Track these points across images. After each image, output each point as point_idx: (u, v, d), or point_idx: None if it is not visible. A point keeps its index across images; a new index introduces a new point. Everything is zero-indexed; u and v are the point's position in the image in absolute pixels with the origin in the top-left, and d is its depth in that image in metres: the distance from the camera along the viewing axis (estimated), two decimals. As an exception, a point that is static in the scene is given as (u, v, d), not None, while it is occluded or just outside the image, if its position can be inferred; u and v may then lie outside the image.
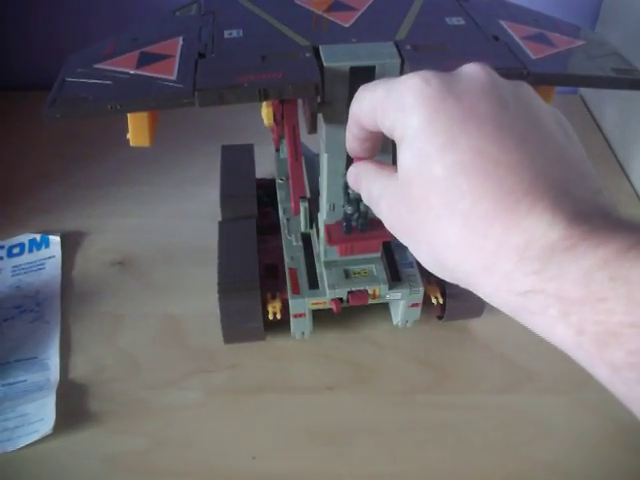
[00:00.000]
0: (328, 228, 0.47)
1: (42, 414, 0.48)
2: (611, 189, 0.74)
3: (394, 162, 0.29)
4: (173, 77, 0.38)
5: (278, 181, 0.61)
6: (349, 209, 0.45)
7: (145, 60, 0.40)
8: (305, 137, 0.51)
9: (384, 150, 0.39)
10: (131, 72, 0.39)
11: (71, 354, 0.53)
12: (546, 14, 0.47)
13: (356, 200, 0.44)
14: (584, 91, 0.86)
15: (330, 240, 0.47)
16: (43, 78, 0.84)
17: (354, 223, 0.46)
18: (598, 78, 0.39)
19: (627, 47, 0.42)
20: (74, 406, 0.49)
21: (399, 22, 0.43)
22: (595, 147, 0.77)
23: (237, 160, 0.64)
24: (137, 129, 0.41)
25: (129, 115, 0.40)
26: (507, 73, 0.38)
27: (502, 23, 0.44)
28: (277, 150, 0.64)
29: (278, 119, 0.53)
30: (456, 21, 0.43)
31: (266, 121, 0.54)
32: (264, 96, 0.37)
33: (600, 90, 0.80)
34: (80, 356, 0.53)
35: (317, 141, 0.46)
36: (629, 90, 0.40)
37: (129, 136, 0.41)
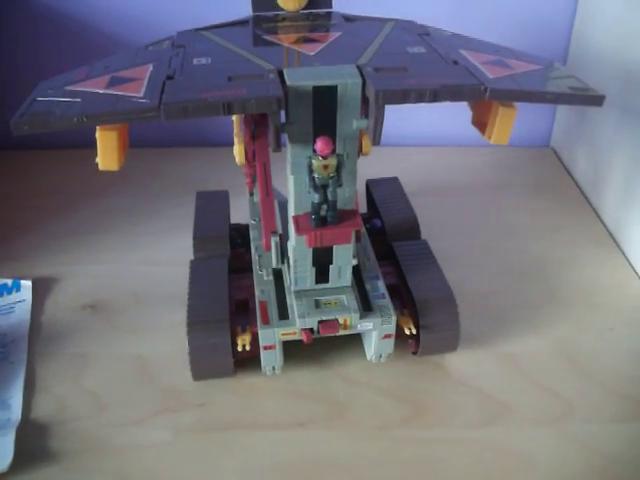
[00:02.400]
0: (296, 218, 0.45)
1: (-1, 453, 0.46)
2: (586, 231, 0.76)
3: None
4: (140, 94, 0.39)
5: (251, 222, 0.61)
6: (316, 197, 0.43)
7: (115, 82, 0.41)
8: (276, 181, 0.53)
9: None
10: (100, 92, 0.40)
11: (35, 394, 0.51)
12: (507, 47, 0.49)
13: (322, 187, 0.43)
14: (555, 143, 0.89)
15: (298, 229, 0.45)
16: (16, 138, 0.86)
17: (323, 214, 0.44)
18: (554, 94, 0.41)
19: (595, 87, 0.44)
20: (34, 445, 0.47)
21: (362, 51, 0.45)
22: (569, 194, 0.79)
23: (211, 204, 0.64)
24: (106, 151, 0.41)
25: (98, 137, 0.40)
26: (466, 89, 0.40)
27: (462, 52, 0.45)
28: (251, 194, 0.65)
29: (250, 157, 0.54)
30: (417, 50, 0.45)
31: (238, 159, 0.55)
32: (228, 110, 0.38)
33: (571, 140, 0.83)
34: (44, 396, 0.51)
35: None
36: (585, 105, 0.42)
37: (98, 160, 0.42)
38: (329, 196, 0.43)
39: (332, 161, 0.42)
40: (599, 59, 0.74)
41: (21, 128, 0.37)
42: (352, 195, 0.46)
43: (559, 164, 0.85)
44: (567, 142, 0.85)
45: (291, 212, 0.47)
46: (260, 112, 0.39)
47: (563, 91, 0.41)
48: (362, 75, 0.40)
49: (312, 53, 0.45)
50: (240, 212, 0.65)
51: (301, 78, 0.40)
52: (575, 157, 0.82)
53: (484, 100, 0.40)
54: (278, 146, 0.41)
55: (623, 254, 0.67)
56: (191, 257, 0.59)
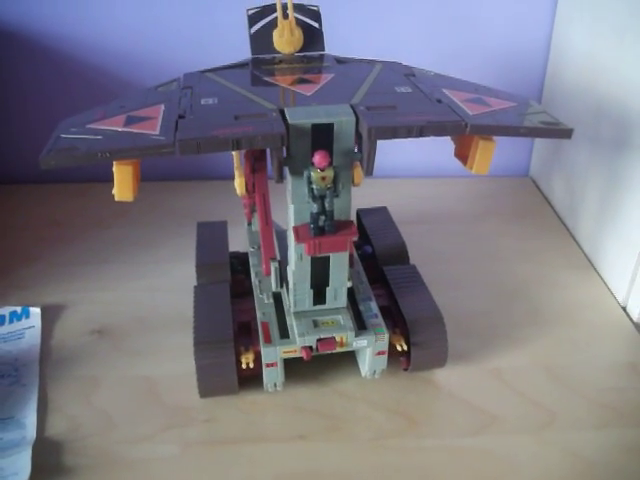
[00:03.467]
0: (296, 228, 0.48)
1: (16, 468, 0.49)
2: (564, 254, 0.80)
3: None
4: (156, 132, 0.43)
5: (250, 250, 0.65)
6: (314, 207, 0.46)
7: (131, 121, 0.45)
8: (275, 216, 0.57)
9: None
10: (119, 129, 0.44)
11: (47, 414, 0.54)
12: (485, 86, 0.54)
13: (321, 197, 0.46)
14: (534, 172, 0.94)
15: (298, 238, 0.48)
16: (21, 172, 0.90)
17: (321, 224, 0.47)
18: (528, 128, 0.45)
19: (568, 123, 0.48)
20: (49, 461, 0.50)
21: (354, 91, 0.49)
22: (547, 220, 0.83)
23: (212, 234, 0.68)
24: (122, 183, 0.45)
25: (115, 171, 0.44)
26: (449, 125, 0.44)
27: (445, 91, 0.50)
28: (249, 224, 0.69)
29: (250, 189, 0.59)
30: (404, 89, 0.50)
31: (239, 191, 0.59)
32: (237, 146, 0.42)
33: (548, 170, 0.88)
34: (56, 415, 0.54)
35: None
36: (555, 138, 0.46)
37: (114, 191, 0.45)
38: (327, 206, 0.46)
39: (329, 173, 0.45)
40: (572, 93, 0.79)
41: (49, 163, 0.41)
42: (348, 206, 0.49)
43: (538, 192, 0.90)
44: (545, 172, 0.90)
45: (291, 251, 0.51)
46: (265, 147, 0.43)
47: (536, 125, 0.46)
48: (355, 113, 0.45)
49: (309, 93, 0.49)
50: (238, 241, 0.69)
51: (301, 117, 0.44)
52: (552, 186, 0.87)
53: (465, 135, 0.45)
54: (280, 177, 0.45)
55: (598, 275, 0.72)
56: (192, 284, 0.62)
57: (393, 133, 0.43)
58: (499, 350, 0.61)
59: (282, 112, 0.45)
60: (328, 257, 0.51)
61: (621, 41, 0.67)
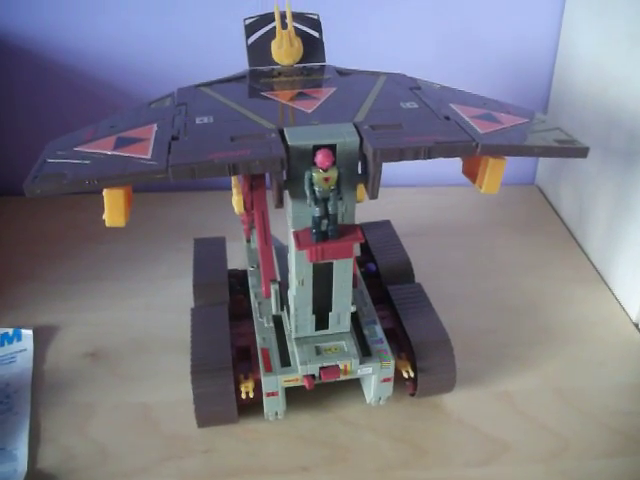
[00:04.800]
0: (297, 233, 0.45)
1: (7, 506, 0.47)
2: (573, 268, 0.78)
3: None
4: (148, 156, 0.41)
5: (249, 269, 0.62)
6: (316, 211, 0.43)
7: (122, 143, 0.43)
8: (273, 228, 0.54)
9: None
10: (108, 153, 0.41)
11: (40, 444, 0.52)
12: (494, 99, 0.51)
13: (323, 200, 0.43)
14: (540, 181, 0.92)
15: (299, 244, 0.45)
16: (8, 185, 0.87)
17: (323, 228, 0.44)
18: (542, 147, 0.43)
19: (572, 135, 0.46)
20: (41, 497, 0.48)
21: (357, 107, 0.47)
22: (555, 230, 0.81)
23: (209, 251, 0.65)
24: (113, 208, 0.42)
25: (105, 195, 0.41)
26: (459, 146, 0.42)
27: (452, 106, 0.48)
28: (248, 241, 0.66)
29: (248, 207, 0.56)
30: (410, 105, 0.47)
31: (237, 209, 0.57)
32: (233, 171, 0.39)
33: (555, 178, 0.85)
34: (49, 446, 0.52)
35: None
36: (571, 157, 0.44)
37: (105, 216, 0.43)
38: (330, 209, 0.43)
39: (333, 173, 0.41)
40: (580, 101, 0.77)
41: (34, 191, 0.38)
42: (352, 209, 0.46)
43: (545, 201, 0.88)
44: (552, 180, 0.87)
45: (292, 276, 0.48)
46: (264, 172, 0.41)
47: (550, 144, 0.43)
48: (359, 133, 0.42)
49: (309, 110, 0.47)
50: (237, 256, 0.67)
51: (302, 138, 0.42)
52: (560, 195, 0.84)
53: (475, 155, 0.42)
54: (280, 202, 0.43)
55: (609, 289, 0.70)
56: (190, 302, 0.60)
57: (400, 155, 0.41)
58: (508, 371, 0.59)
59: (281, 132, 0.43)
60: (331, 267, 0.48)
61: (631, 49, 0.64)
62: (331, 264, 0.48)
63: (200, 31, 0.81)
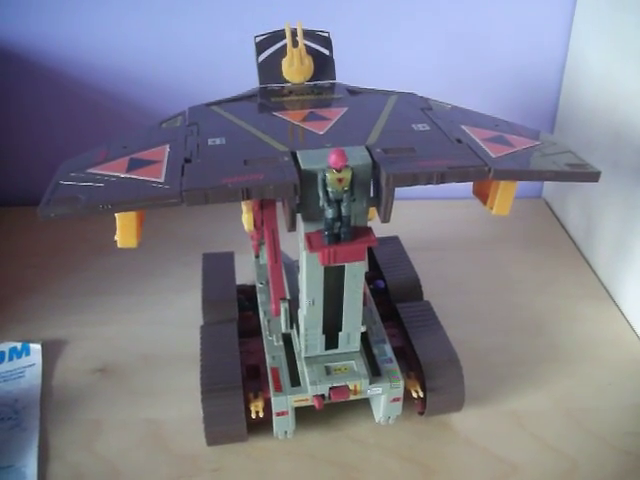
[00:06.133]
0: (309, 236, 0.44)
1: (17, 525, 0.47)
2: (581, 284, 0.77)
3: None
4: (161, 179, 0.41)
5: (258, 285, 0.62)
6: (329, 212, 0.42)
7: (135, 165, 0.43)
8: (283, 244, 0.54)
9: None
10: (122, 176, 0.41)
11: (49, 461, 0.52)
12: (504, 120, 0.51)
13: (337, 201, 0.42)
14: (547, 194, 0.92)
15: (311, 246, 0.43)
16: (19, 195, 0.88)
17: (336, 231, 0.43)
18: (554, 172, 0.43)
19: (580, 152, 0.46)
20: (51, 516, 0.48)
21: (369, 129, 0.47)
22: (562, 245, 0.81)
23: (218, 267, 0.66)
24: (125, 231, 0.42)
25: (118, 218, 0.42)
26: (472, 171, 0.42)
27: (464, 128, 0.48)
28: (257, 256, 0.66)
29: (258, 225, 0.56)
30: (422, 127, 0.47)
31: (246, 227, 0.56)
32: (247, 196, 0.39)
33: (562, 192, 0.85)
34: (58, 463, 0.52)
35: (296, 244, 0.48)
36: (583, 182, 0.44)
37: (117, 237, 0.43)
38: (343, 211, 0.42)
39: (346, 174, 0.41)
40: (589, 116, 0.77)
41: (48, 214, 0.39)
42: (365, 211, 0.45)
43: (551, 216, 0.88)
44: (559, 194, 0.87)
45: (303, 296, 0.48)
46: (277, 197, 0.41)
47: (562, 169, 0.43)
48: (372, 156, 0.42)
49: (321, 132, 0.47)
50: (246, 268, 0.67)
51: (315, 161, 0.42)
52: (567, 209, 0.84)
53: (488, 180, 0.42)
54: (293, 226, 0.43)
55: (617, 307, 0.69)
56: (199, 317, 0.60)
57: (413, 180, 0.41)
58: (517, 390, 0.59)
59: (294, 154, 0.43)
60: (342, 275, 0.47)
61: (641, 65, 0.64)
62: (342, 272, 0.47)
63: (209, 45, 0.81)
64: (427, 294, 0.63)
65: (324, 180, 0.41)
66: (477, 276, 0.75)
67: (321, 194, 0.41)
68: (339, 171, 0.40)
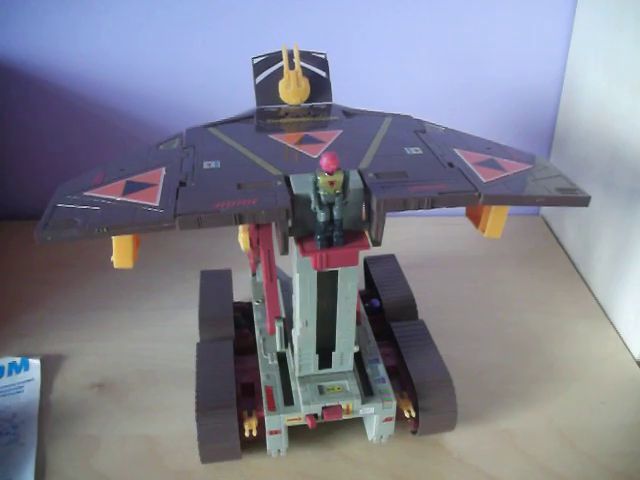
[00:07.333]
0: (301, 241, 0.44)
1: (12, 541, 0.47)
2: (577, 303, 0.77)
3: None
4: (156, 203, 0.41)
5: (254, 303, 0.63)
6: (321, 215, 0.41)
7: (130, 188, 0.44)
8: (280, 260, 0.55)
9: None
10: (117, 199, 0.42)
11: (46, 477, 0.53)
12: (497, 142, 0.52)
13: (328, 205, 0.42)
14: (545, 212, 0.92)
15: (303, 251, 0.43)
16: (18, 210, 0.89)
17: (328, 234, 0.43)
18: (544, 197, 0.43)
19: (577, 170, 0.46)
20: (46, 532, 0.49)
21: (362, 153, 0.48)
22: (559, 263, 0.81)
23: (215, 284, 0.66)
24: (121, 252, 0.43)
25: (114, 239, 0.43)
26: (462, 196, 0.43)
27: (456, 151, 0.48)
28: (253, 274, 0.67)
29: (254, 244, 0.57)
30: (414, 151, 0.48)
31: (243, 246, 0.57)
32: (239, 221, 0.40)
33: (560, 210, 0.86)
34: (54, 479, 0.52)
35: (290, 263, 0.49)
36: (572, 206, 0.44)
37: (113, 258, 0.44)
38: (335, 214, 0.42)
39: (338, 177, 0.41)
40: (586, 134, 0.77)
41: (45, 238, 0.39)
42: (358, 214, 0.44)
43: (549, 233, 0.88)
44: (557, 211, 0.88)
45: (297, 316, 0.49)
46: (270, 222, 0.42)
47: (552, 194, 0.44)
48: (364, 181, 0.43)
49: (315, 156, 0.47)
50: (243, 285, 0.68)
51: (307, 186, 0.42)
52: (565, 227, 0.85)
53: (478, 205, 0.43)
54: (286, 249, 0.43)
55: (613, 326, 0.70)
56: (196, 333, 0.61)
57: (403, 206, 0.41)
58: (510, 409, 0.59)
59: (287, 179, 0.44)
60: (335, 280, 0.47)
61: (637, 86, 0.65)
62: (336, 280, 0.47)
63: (209, 65, 0.83)
64: (422, 311, 0.63)
65: (315, 183, 0.41)
66: (471, 294, 0.75)
67: (312, 197, 0.41)
68: (331, 174, 0.41)
